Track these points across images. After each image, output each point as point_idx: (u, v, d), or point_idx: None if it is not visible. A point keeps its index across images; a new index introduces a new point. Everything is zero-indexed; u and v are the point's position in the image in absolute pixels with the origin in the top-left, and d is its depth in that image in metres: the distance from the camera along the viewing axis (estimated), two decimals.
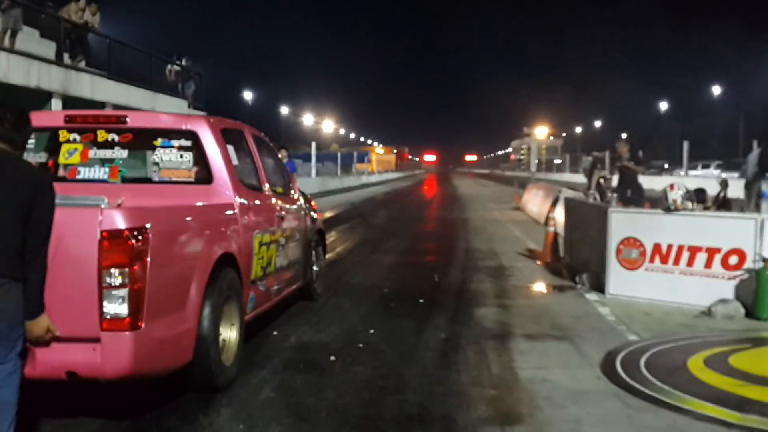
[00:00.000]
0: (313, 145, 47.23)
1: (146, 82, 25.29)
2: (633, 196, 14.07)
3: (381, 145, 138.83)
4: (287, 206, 7.56)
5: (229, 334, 5.63)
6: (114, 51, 23.31)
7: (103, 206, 4.36)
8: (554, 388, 5.53)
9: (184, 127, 6.12)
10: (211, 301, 5.16)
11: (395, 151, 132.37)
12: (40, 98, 18.59)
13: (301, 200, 8.38)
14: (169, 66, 27.47)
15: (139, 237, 4.32)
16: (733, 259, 8.03)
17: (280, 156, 18.03)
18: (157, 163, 6.09)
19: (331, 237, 14.97)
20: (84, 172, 6.15)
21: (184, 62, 28.79)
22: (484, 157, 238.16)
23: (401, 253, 13.87)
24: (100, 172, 6.15)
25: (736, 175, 32.09)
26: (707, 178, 32.96)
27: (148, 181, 6.16)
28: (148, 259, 4.37)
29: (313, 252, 8.66)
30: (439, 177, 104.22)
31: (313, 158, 45.36)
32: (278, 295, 7.28)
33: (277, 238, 6.98)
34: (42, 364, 4.24)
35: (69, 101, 19.51)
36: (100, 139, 6.15)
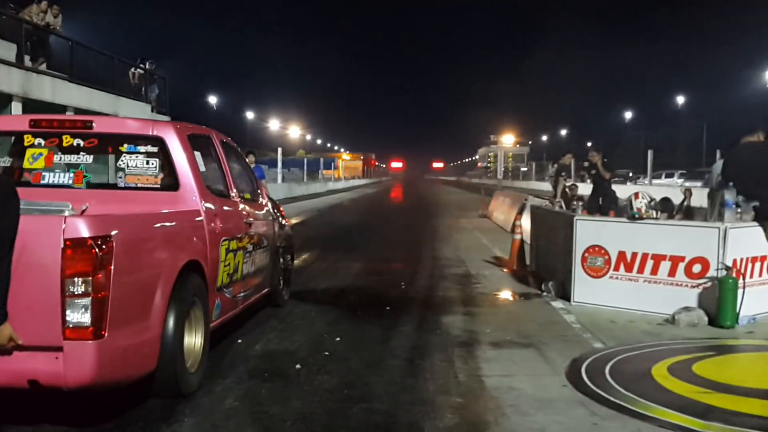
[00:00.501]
0: (279, 150, 47.04)
1: (109, 85, 25.01)
2: (604, 204, 14.23)
3: (348, 152, 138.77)
4: (255, 212, 7.51)
5: (194, 341, 5.58)
6: (76, 54, 23.01)
7: (67, 213, 4.30)
8: (520, 396, 5.54)
9: (150, 132, 6.07)
10: (175, 308, 5.10)
11: (362, 157, 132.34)
12: (0, 101, 18.31)
13: (269, 206, 8.33)
14: (132, 69, 27.16)
15: (103, 246, 4.25)
16: (697, 268, 8.13)
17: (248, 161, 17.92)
18: (122, 169, 6.03)
19: (297, 244, 14.89)
20: (48, 177, 6.08)
21: (147, 66, 28.54)
22: (451, 164, 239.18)
23: (368, 260, 13.85)
24: (64, 178, 6.07)
25: (699, 184, 32.57)
26: (671, 187, 33.49)
27: (114, 186, 6.09)
28: (112, 268, 4.30)
29: (281, 258, 8.62)
30: (406, 184, 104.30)
31: (279, 164, 45.16)
32: (245, 302, 7.22)
33: (244, 244, 6.92)
34: (3, 372, 4.19)
35: (29, 104, 19.24)
36: (65, 144, 6.08)
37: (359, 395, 5.53)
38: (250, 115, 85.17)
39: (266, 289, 8.09)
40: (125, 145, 6.02)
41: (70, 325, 4.19)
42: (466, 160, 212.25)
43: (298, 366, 6.27)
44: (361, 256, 14.52)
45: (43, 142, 6.11)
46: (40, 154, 6.10)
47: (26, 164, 6.11)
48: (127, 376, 4.71)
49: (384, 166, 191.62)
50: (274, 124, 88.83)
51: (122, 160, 6.03)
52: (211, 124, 8.32)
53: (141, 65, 27.89)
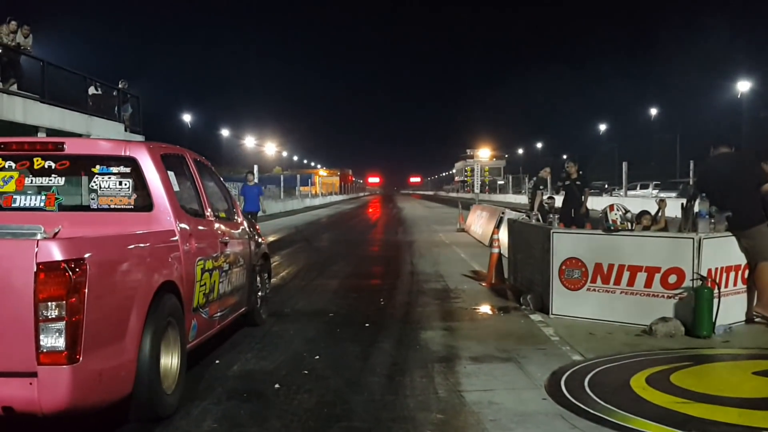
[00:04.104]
0: (255, 168, 46.86)
1: (81, 105, 24.80)
2: (577, 217, 14.31)
3: (325, 168, 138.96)
4: (230, 231, 7.47)
5: (171, 363, 5.51)
6: (47, 74, 22.81)
7: (39, 236, 4.24)
8: (500, 410, 5.54)
9: (123, 153, 6.02)
10: (151, 330, 5.04)
11: (339, 173, 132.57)
12: None
13: (245, 225, 8.29)
14: (90, 91, 26.43)
15: (77, 269, 4.20)
16: (672, 278, 8.18)
17: (248, 180, 18.24)
18: (95, 191, 5.97)
19: (275, 261, 14.83)
20: (20, 200, 6.01)
21: (120, 85, 28.35)
22: (428, 178, 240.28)
23: (346, 276, 13.83)
24: (36, 200, 6.01)
25: (673, 194, 32.81)
26: (646, 198, 33.77)
27: (87, 208, 6.03)
28: (86, 291, 4.25)
29: (258, 277, 8.57)
30: (384, 199, 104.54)
31: (256, 181, 44.98)
32: (222, 322, 7.16)
33: (220, 264, 6.88)
34: None
35: (0, 126, 19.05)
36: (36, 167, 6.02)
37: (339, 414, 5.49)
38: (225, 132, 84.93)
39: (243, 309, 8.04)
40: (97, 167, 5.97)
41: (44, 350, 4.14)
42: (443, 174, 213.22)
43: (277, 386, 6.21)
44: (339, 272, 14.49)
45: (13, 165, 6.05)
46: (11, 177, 6.04)
47: None
48: (103, 401, 4.63)
49: (361, 181, 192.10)
50: (249, 142, 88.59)
51: (95, 182, 5.97)
52: (186, 143, 8.31)
53: (98, 83, 27.38)
